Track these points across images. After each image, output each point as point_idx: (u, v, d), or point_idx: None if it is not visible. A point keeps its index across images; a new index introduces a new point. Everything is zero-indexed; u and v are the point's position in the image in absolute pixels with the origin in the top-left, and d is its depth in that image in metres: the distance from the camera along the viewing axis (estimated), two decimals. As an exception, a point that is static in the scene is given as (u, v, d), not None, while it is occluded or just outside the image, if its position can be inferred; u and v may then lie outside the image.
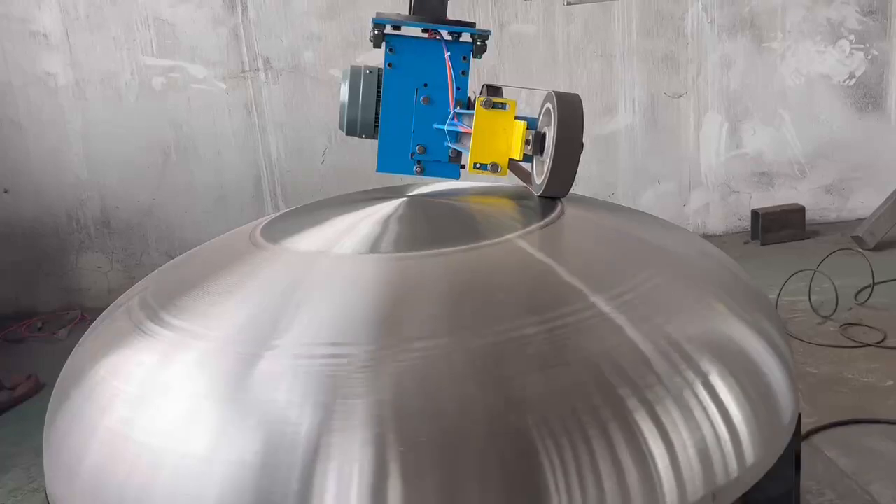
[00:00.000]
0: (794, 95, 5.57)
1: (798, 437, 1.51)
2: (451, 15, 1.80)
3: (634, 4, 5.29)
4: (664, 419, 1.18)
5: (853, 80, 5.57)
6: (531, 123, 1.69)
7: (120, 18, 4.96)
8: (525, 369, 1.18)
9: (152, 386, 1.28)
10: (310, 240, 1.60)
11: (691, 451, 1.18)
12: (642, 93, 5.48)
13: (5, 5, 4.85)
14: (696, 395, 1.23)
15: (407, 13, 1.79)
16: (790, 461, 1.43)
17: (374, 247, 1.48)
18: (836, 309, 4.03)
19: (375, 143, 1.85)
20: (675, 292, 1.42)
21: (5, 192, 5.12)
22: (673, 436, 1.17)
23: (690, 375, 1.24)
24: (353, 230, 1.57)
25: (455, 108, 1.77)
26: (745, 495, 1.26)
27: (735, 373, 1.30)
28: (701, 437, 1.20)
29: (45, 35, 4.92)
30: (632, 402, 1.17)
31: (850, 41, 5.50)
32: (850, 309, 4.09)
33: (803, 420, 2.75)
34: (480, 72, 4.51)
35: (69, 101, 5.02)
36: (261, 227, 1.72)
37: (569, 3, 1.69)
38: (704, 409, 1.22)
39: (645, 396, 1.18)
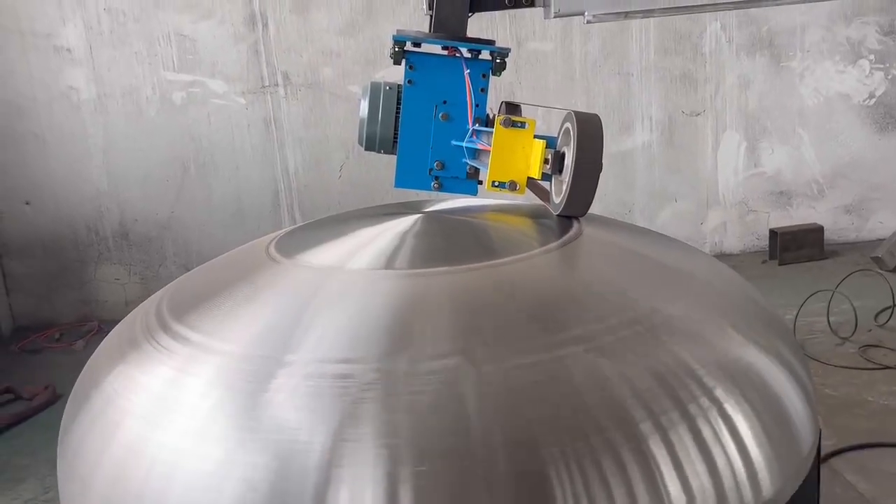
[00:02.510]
0: (812, 115, 5.54)
1: (818, 461, 1.48)
2: (470, 33, 1.80)
3: (652, 23, 5.29)
4: (678, 448, 1.16)
5: (873, 100, 5.53)
6: (550, 143, 1.69)
7: (142, 34, 5.02)
8: (538, 392, 1.17)
9: (166, 401, 1.28)
10: (325, 254, 1.60)
11: (706, 482, 1.16)
12: (660, 111, 5.47)
13: (31, 21, 4.93)
14: (710, 424, 1.20)
15: (427, 31, 1.80)
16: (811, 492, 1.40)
17: (389, 263, 1.47)
18: (855, 330, 3.98)
19: (393, 158, 1.86)
20: (691, 317, 1.40)
21: (27, 204, 5.18)
22: (686, 466, 1.15)
23: (706, 403, 1.22)
24: (369, 245, 1.57)
25: (473, 125, 1.78)
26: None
27: (752, 402, 1.27)
28: (715, 468, 1.18)
29: (68, 50, 4.99)
30: (647, 431, 1.15)
31: (870, 61, 5.47)
32: (870, 330, 4.04)
33: (822, 442, 2.71)
34: (497, 88, 4.52)
35: (91, 115, 5.08)
36: (276, 240, 1.72)
37: (588, 22, 1.69)
38: (719, 439, 1.20)
39: (661, 425, 1.16)
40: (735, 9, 4.86)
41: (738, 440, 1.22)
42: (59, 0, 4.92)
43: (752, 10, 5.27)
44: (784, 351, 1.46)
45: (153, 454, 1.22)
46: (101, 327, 5.02)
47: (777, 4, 1.78)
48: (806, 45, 5.43)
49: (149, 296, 1.81)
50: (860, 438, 2.95)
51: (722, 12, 5.27)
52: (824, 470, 2.72)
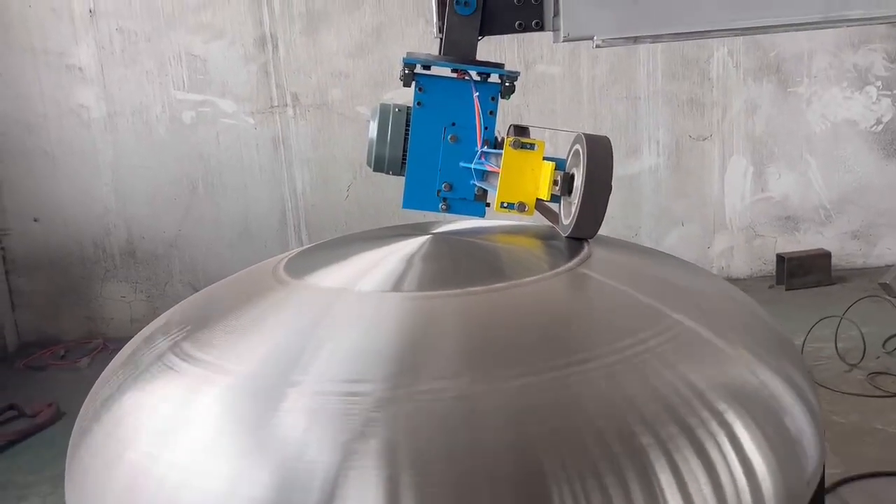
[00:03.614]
0: (819, 140, 5.55)
1: (822, 488, 1.47)
2: (479, 56, 1.82)
3: (659, 48, 5.32)
4: (684, 470, 1.15)
5: (880, 126, 5.54)
6: (560, 164, 1.69)
7: (154, 54, 5.07)
8: (543, 414, 1.16)
9: (175, 421, 1.28)
10: (333, 276, 1.60)
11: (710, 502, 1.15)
12: (667, 135, 5.48)
13: (44, 40, 4.98)
14: (718, 447, 1.20)
15: (437, 53, 1.81)
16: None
17: (397, 285, 1.47)
18: (863, 357, 3.95)
19: (400, 179, 1.86)
20: (701, 339, 1.40)
21: (35, 220, 5.20)
22: (692, 488, 1.14)
23: (714, 426, 1.21)
24: (377, 267, 1.57)
25: (482, 147, 1.78)
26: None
27: (759, 423, 1.26)
28: (721, 491, 1.17)
29: (80, 69, 5.04)
30: (652, 452, 1.14)
31: (878, 87, 5.48)
32: (878, 357, 4.01)
33: (829, 471, 2.68)
34: (504, 111, 4.54)
35: (101, 133, 5.12)
36: (284, 262, 1.72)
37: (597, 46, 1.70)
38: (726, 461, 1.19)
39: (665, 446, 1.15)
40: (743, 35, 4.89)
41: (746, 463, 1.22)
42: (72, 19, 4.97)
43: (760, 35, 5.30)
44: (793, 373, 1.46)
45: (162, 473, 1.22)
46: (107, 345, 5.02)
47: (784, 31, 1.79)
48: (813, 71, 5.45)
49: (155, 314, 1.81)
50: (869, 467, 2.91)
51: (729, 38, 5.30)
52: (832, 499, 2.69)
